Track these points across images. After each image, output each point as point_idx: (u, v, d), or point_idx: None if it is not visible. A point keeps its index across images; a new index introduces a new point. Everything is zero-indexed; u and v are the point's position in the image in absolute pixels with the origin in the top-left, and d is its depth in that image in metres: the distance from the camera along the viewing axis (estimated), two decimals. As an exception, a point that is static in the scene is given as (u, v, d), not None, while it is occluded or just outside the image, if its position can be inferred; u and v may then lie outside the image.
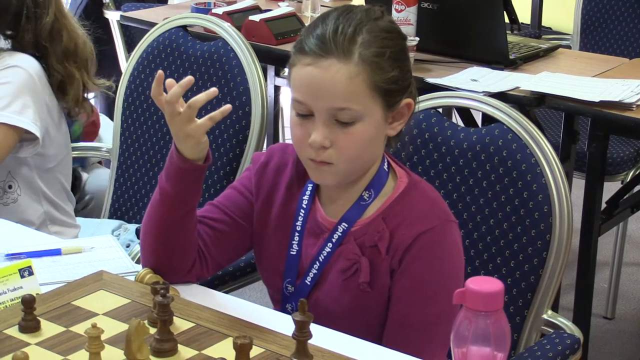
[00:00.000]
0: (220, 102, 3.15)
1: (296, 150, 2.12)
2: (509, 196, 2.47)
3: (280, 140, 5.33)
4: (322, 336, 1.91)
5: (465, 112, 3.97)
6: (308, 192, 2.18)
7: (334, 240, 2.13)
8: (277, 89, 4.97)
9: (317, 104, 2.02)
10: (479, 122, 3.92)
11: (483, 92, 3.35)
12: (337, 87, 2.00)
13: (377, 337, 2.09)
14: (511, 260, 2.47)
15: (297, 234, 2.18)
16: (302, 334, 1.81)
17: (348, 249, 2.11)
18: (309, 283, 2.16)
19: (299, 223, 2.18)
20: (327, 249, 2.13)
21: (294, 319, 1.82)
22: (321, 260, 2.14)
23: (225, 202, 2.26)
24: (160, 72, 2.03)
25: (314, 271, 2.15)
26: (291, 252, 2.19)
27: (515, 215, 2.47)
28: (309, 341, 1.83)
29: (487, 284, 1.65)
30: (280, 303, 2.23)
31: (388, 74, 2.04)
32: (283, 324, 1.99)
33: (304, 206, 2.18)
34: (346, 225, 2.12)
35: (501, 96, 3.34)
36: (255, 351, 1.83)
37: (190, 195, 2.13)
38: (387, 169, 2.16)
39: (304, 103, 2.04)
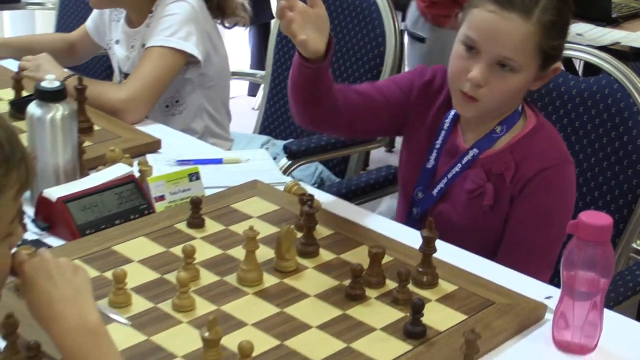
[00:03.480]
0: (359, 42, 3.09)
1: (450, 80, 2.04)
2: (610, 139, 2.38)
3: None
4: (443, 250, 1.84)
5: (567, 62, 3.84)
6: (450, 117, 2.11)
7: (463, 162, 2.07)
8: (401, 32, 4.86)
9: (488, 47, 1.94)
10: (579, 72, 3.81)
11: (587, 45, 3.22)
12: (512, 40, 1.92)
13: (491, 253, 2.02)
14: (608, 194, 2.39)
15: (435, 151, 2.12)
16: (428, 248, 1.76)
17: (476, 173, 2.04)
18: (435, 194, 2.11)
19: (438, 142, 2.12)
20: (456, 169, 2.08)
21: (422, 235, 1.77)
22: (449, 177, 2.09)
23: (383, 87, 2.17)
24: None
25: (442, 185, 2.10)
26: (427, 166, 2.13)
27: (614, 156, 2.38)
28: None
29: (598, 218, 1.58)
30: (408, 207, 2.18)
31: (554, 41, 1.97)
32: (408, 236, 1.94)
33: (445, 128, 2.11)
34: (477, 151, 2.06)
35: (603, 49, 3.21)
36: (385, 259, 1.78)
37: (320, 83, 2.00)
38: (520, 110, 2.08)
39: (476, 42, 1.95)
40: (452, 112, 2.11)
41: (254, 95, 5.42)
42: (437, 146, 2.11)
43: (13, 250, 1.32)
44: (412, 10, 3.99)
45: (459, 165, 2.07)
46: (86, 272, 1.31)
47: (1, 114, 1.21)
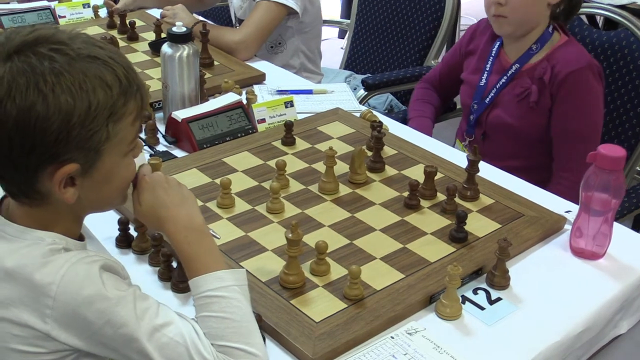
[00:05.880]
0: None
1: (486, 11, 2.01)
2: (624, 82, 2.19)
3: (457, 31, 4.94)
4: (486, 170, 1.71)
5: (590, 18, 3.57)
6: (496, 46, 2.07)
7: (508, 74, 2.04)
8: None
9: None
10: (600, 26, 3.55)
11: (608, 4, 2.96)
12: None
13: (533, 149, 2.02)
14: (619, 127, 2.20)
15: (486, 72, 2.08)
16: (472, 169, 1.62)
17: (523, 80, 2.00)
18: (487, 102, 2.07)
19: (488, 65, 2.08)
20: (502, 80, 2.05)
21: (468, 158, 1.63)
22: (497, 87, 2.06)
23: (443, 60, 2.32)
24: None
25: (492, 94, 2.07)
26: (480, 84, 2.09)
27: (627, 96, 2.20)
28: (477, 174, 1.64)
29: (613, 150, 1.43)
30: (467, 117, 2.15)
31: None
32: (457, 157, 1.80)
33: (493, 55, 2.08)
34: (518, 66, 2.02)
35: (622, 8, 2.96)
36: (437, 176, 1.65)
37: None
38: (551, 32, 2.00)
39: None
40: (497, 43, 2.07)
41: (343, 38, 5.23)
42: (487, 68, 2.07)
43: (143, 163, 1.24)
44: None
45: (505, 77, 2.03)
46: (187, 187, 1.21)
47: (119, 51, 1.09)
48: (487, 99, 2.05)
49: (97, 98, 1.02)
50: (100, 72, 1.03)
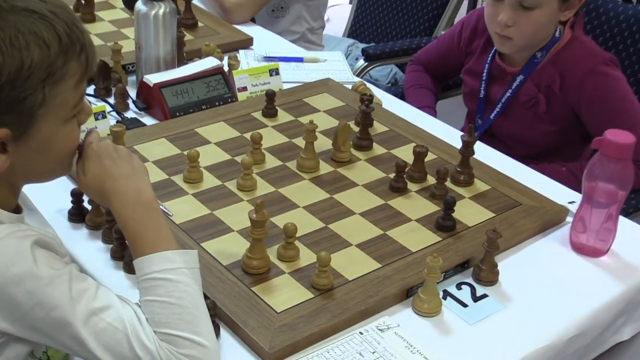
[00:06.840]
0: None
1: (487, 25, 1.90)
2: (644, 58, 2.09)
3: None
4: (486, 153, 1.63)
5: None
6: (492, 53, 1.95)
7: (513, 87, 1.90)
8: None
9: None
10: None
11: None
12: None
13: (540, 152, 1.92)
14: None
15: (483, 82, 1.96)
16: (466, 151, 1.53)
17: (528, 88, 1.88)
18: (492, 118, 1.95)
19: (484, 74, 1.96)
20: (508, 94, 1.91)
21: (462, 139, 1.54)
22: (503, 102, 1.92)
23: (438, 43, 2.18)
24: None
25: (497, 109, 1.94)
26: (480, 95, 1.98)
27: (646, 73, 2.09)
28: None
29: (621, 136, 1.33)
30: (470, 123, 2.05)
31: None
32: (457, 139, 1.70)
33: (488, 61, 1.95)
34: (523, 77, 1.88)
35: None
36: (430, 157, 1.56)
37: None
38: (558, 36, 1.86)
39: None
40: (493, 49, 1.95)
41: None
42: (484, 77, 1.95)
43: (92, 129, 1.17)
44: None
45: (510, 90, 1.90)
46: (139, 158, 1.14)
47: (65, 4, 1.01)
48: (493, 114, 1.93)
49: (31, 56, 0.95)
50: (37, 27, 0.96)
